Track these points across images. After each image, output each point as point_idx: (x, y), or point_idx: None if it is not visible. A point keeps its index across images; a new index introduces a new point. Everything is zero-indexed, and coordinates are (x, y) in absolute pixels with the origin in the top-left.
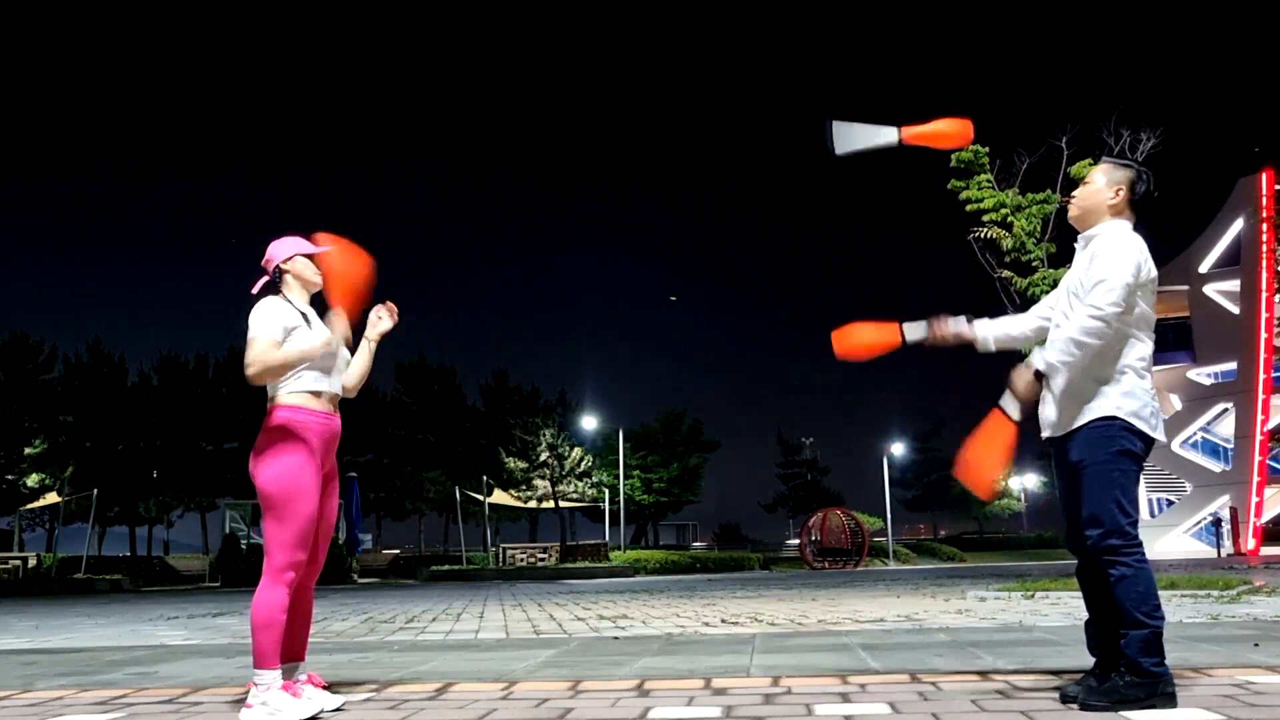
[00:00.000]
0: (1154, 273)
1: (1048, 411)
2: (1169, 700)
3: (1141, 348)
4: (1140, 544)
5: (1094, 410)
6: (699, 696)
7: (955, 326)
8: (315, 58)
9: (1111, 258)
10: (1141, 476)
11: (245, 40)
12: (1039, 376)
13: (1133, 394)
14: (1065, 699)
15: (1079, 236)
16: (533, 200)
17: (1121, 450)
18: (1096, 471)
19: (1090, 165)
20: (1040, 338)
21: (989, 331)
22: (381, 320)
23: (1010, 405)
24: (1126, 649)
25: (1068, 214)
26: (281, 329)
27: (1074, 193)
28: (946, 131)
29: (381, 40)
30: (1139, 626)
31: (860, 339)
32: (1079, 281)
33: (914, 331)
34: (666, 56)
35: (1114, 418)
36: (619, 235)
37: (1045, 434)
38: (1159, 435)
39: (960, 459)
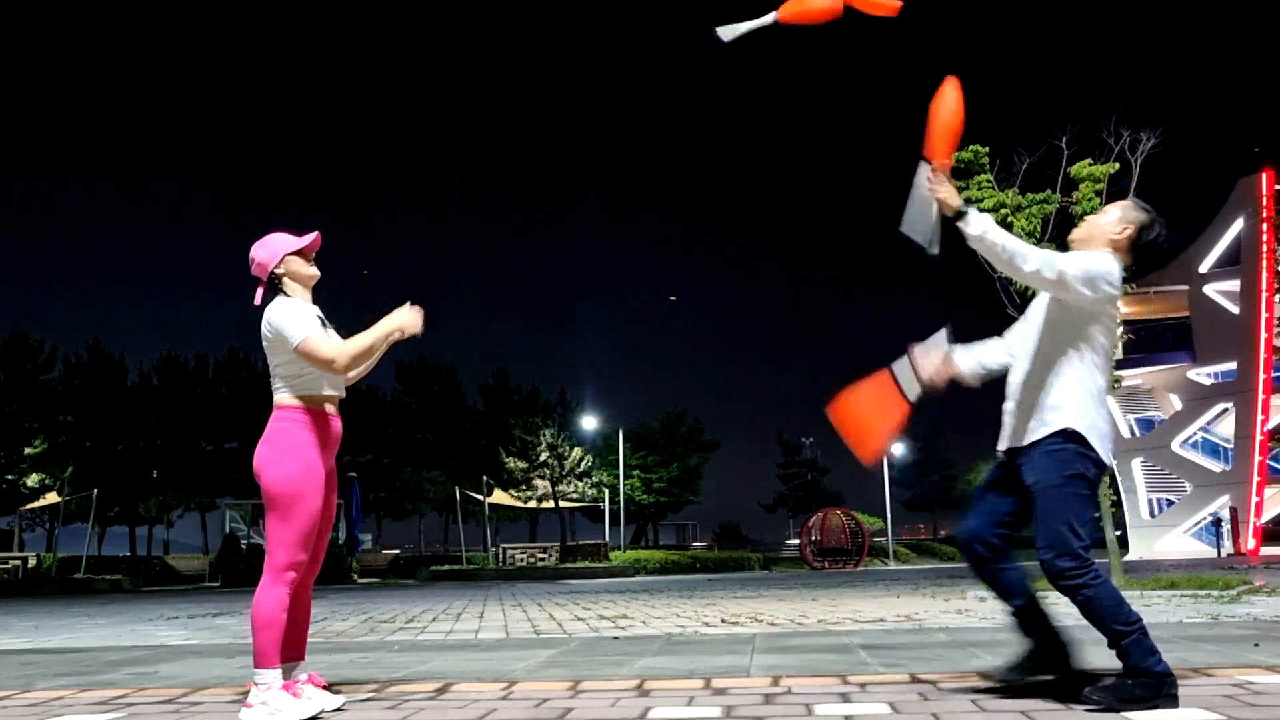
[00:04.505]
0: (1115, 292)
1: (1007, 422)
2: (1171, 701)
3: (1100, 377)
4: (1092, 563)
5: (1053, 424)
6: (699, 696)
7: (937, 363)
8: (317, 58)
9: (1086, 255)
10: (1144, 476)
11: (246, 39)
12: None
13: (1089, 413)
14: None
15: None
16: (533, 200)
17: (1075, 474)
18: (1052, 494)
19: (1090, 165)
20: (1004, 370)
21: (967, 365)
22: (404, 320)
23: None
24: (1129, 659)
25: (1071, 233)
26: (316, 320)
27: (1087, 216)
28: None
29: (384, 41)
30: (1125, 635)
31: (874, 427)
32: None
33: (912, 388)
34: (668, 56)
35: (1073, 431)
36: (619, 235)
37: (1003, 446)
38: (1111, 461)
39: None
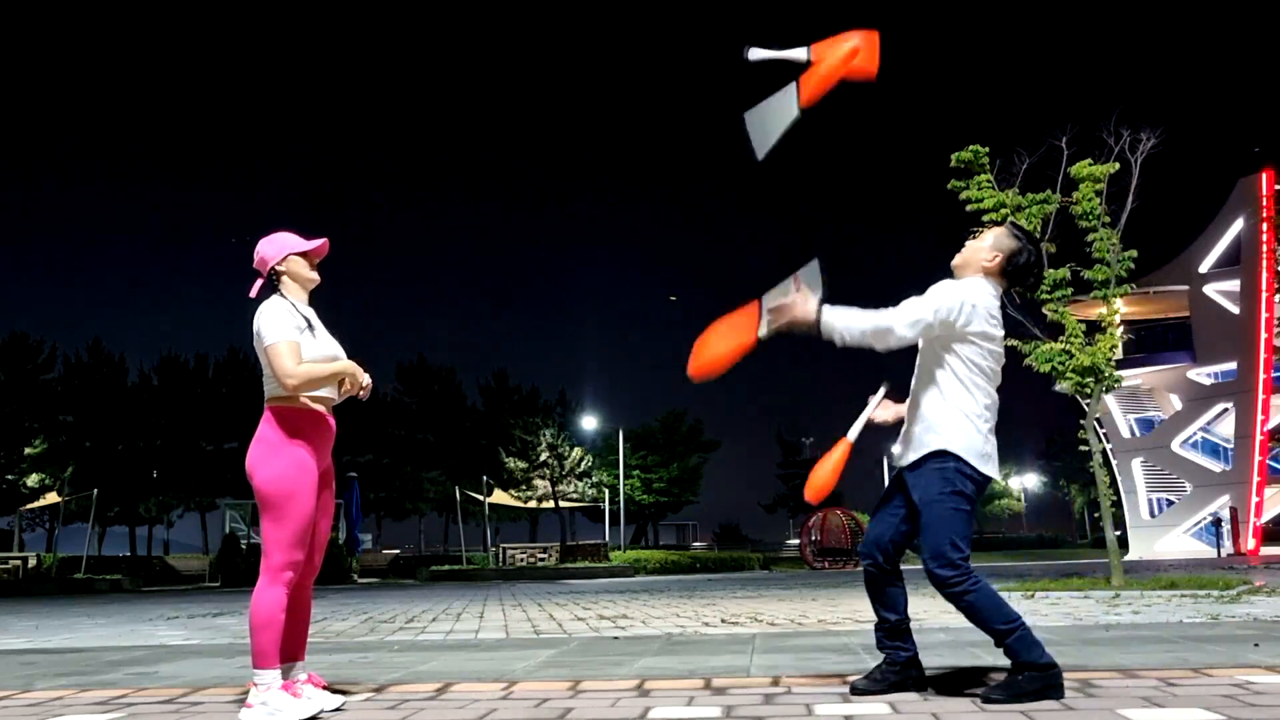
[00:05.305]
0: (978, 325)
1: (897, 446)
2: (1058, 691)
3: (982, 397)
4: (970, 570)
5: (932, 444)
6: (699, 696)
7: (803, 307)
8: (315, 58)
9: (936, 292)
10: (1144, 476)
11: (245, 39)
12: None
13: (967, 434)
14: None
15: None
16: (533, 200)
17: (955, 490)
18: (935, 509)
19: (1090, 165)
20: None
21: (836, 323)
22: (351, 370)
23: (855, 428)
24: (1016, 655)
25: (954, 258)
26: (296, 330)
27: (968, 241)
28: (848, 53)
29: (382, 41)
30: (1008, 634)
31: (715, 351)
32: None
33: (767, 325)
34: (667, 56)
35: (949, 453)
36: (619, 235)
37: (897, 464)
38: (993, 473)
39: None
